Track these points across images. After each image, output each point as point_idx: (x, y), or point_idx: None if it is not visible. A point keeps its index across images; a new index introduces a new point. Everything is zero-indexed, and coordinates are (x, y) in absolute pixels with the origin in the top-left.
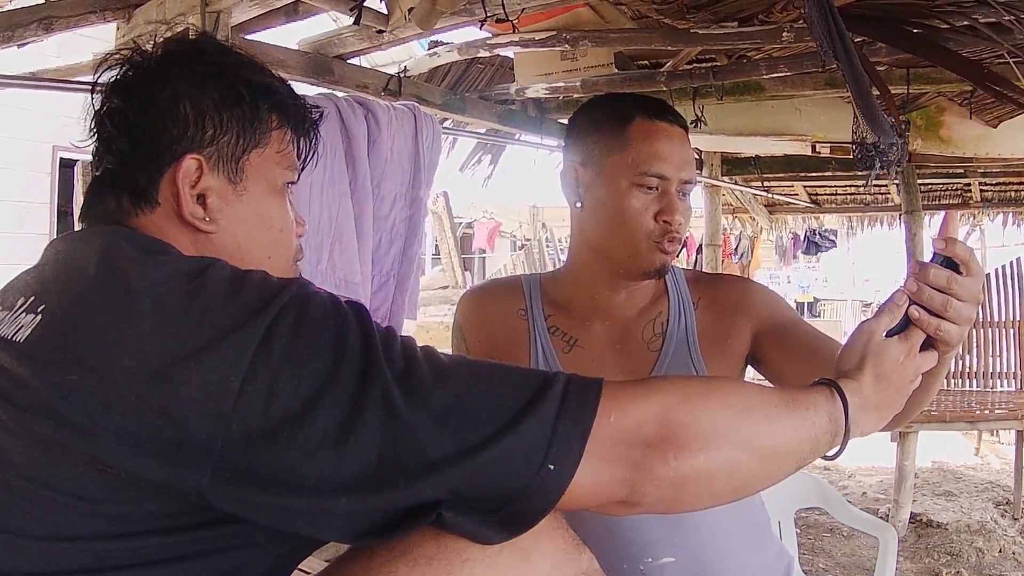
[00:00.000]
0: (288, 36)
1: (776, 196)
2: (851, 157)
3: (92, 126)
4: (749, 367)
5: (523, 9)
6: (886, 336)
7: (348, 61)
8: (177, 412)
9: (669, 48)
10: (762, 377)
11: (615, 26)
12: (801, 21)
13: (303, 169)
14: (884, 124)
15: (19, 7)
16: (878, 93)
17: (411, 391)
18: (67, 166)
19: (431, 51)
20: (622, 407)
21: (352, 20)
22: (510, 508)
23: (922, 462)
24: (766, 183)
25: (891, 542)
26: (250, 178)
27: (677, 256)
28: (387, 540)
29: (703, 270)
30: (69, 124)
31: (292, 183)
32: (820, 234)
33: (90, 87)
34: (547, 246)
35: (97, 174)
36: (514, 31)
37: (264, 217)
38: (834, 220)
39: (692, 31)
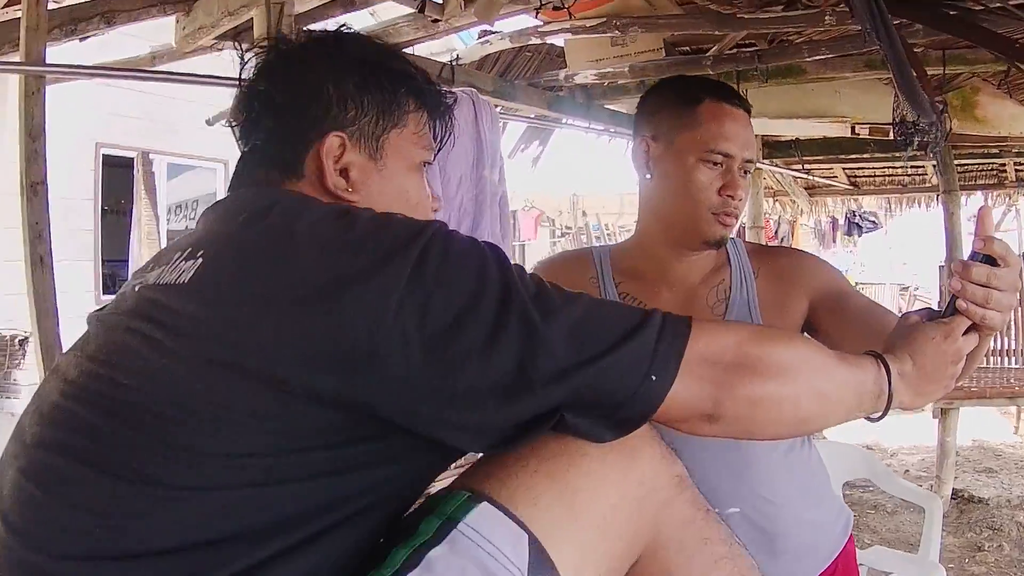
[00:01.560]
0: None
1: (816, 179)
2: (890, 138)
3: (239, 107)
4: (806, 334)
5: None
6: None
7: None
8: (345, 327)
9: (716, 33)
10: None
11: (663, 12)
12: (842, 5)
13: (439, 150)
14: (924, 102)
15: (80, 1)
16: (916, 74)
17: (544, 310)
18: (109, 164)
19: (483, 39)
20: (707, 336)
21: (416, 9)
22: (620, 411)
23: (962, 440)
24: (806, 166)
25: (936, 512)
26: (389, 155)
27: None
28: (519, 447)
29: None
30: (112, 121)
31: (428, 163)
32: (861, 216)
33: (236, 81)
34: (595, 233)
35: (246, 150)
36: (570, 18)
37: (401, 191)
38: (872, 203)
39: (738, 16)
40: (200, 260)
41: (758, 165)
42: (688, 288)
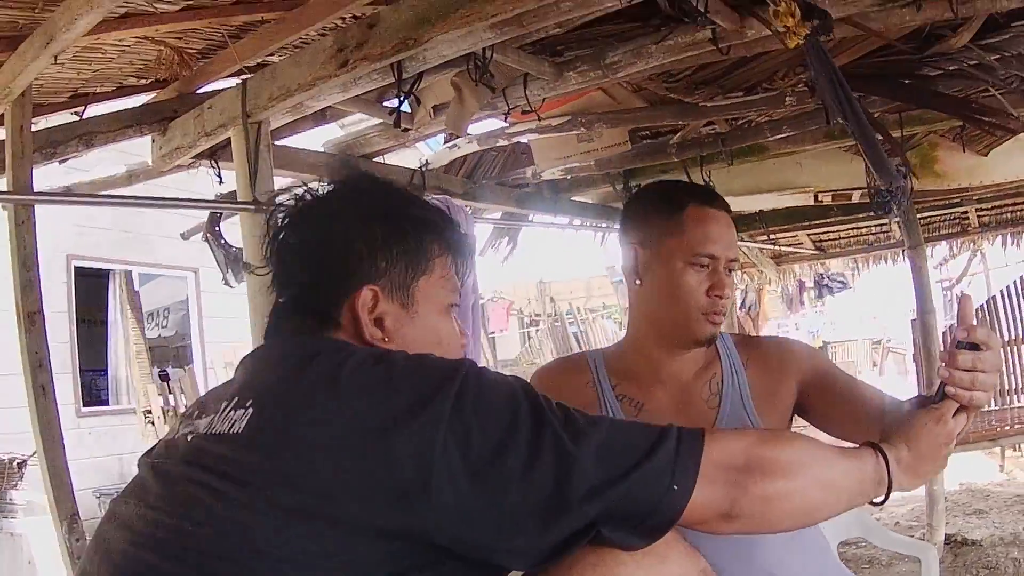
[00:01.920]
0: (312, 138)
1: (782, 248)
2: (853, 203)
3: (269, 256)
4: (796, 416)
5: (543, 99)
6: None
7: (374, 160)
8: (398, 465)
9: (680, 123)
10: (807, 425)
11: (627, 106)
12: (801, 85)
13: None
14: (892, 169)
15: (59, 124)
16: (882, 140)
17: (574, 434)
18: (81, 275)
19: (451, 144)
20: (720, 444)
21: (391, 123)
22: (649, 520)
23: (950, 485)
24: (771, 236)
25: (932, 561)
26: (420, 302)
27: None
28: (558, 560)
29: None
30: (82, 233)
31: (455, 304)
32: (829, 278)
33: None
34: (568, 320)
35: (281, 300)
36: (538, 119)
37: (434, 334)
38: (839, 264)
39: (701, 105)
40: (251, 410)
41: None
42: (682, 385)
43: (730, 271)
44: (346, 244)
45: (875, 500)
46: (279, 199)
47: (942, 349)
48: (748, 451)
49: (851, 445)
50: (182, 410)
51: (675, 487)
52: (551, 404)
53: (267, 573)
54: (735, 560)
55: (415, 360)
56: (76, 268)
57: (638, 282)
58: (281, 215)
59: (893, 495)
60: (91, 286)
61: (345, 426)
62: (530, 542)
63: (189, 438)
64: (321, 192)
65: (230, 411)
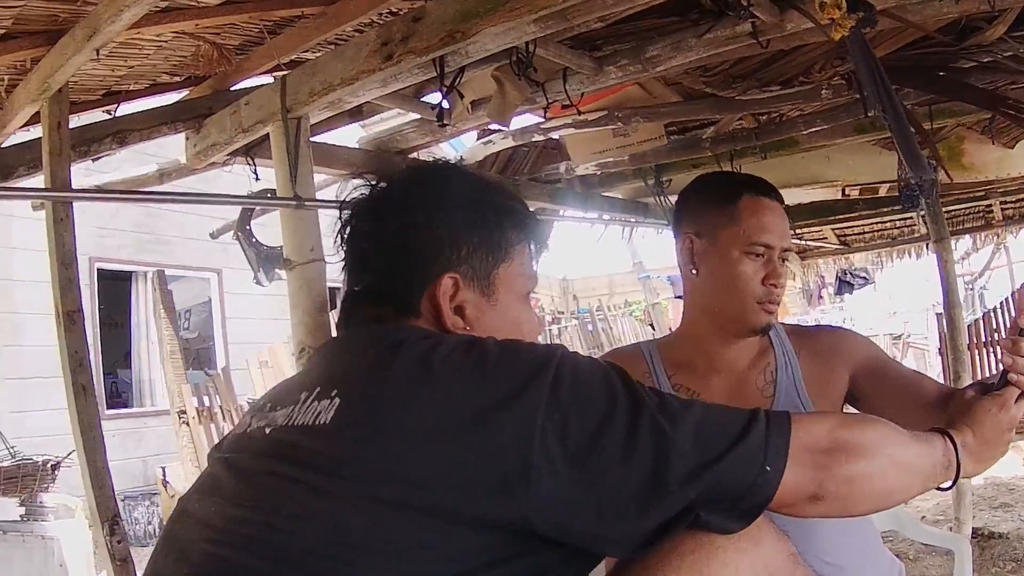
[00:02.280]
0: (339, 136)
1: (807, 242)
2: (880, 197)
3: (342, 244)
4: (847, 405)
5: (583, 94)
6: (987, 394)
7: (408, 157)
8: (497, 453)
9: (715, 117)
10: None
11: (662, 100)
12: (837, 78)
13: None
14: (924, 162)
15: (93, 122)
16: (917, 135)
17: (670, 418)
18: (103, 277)
19: (485, 139)
20: (805, 427)
21: (409, 118)
22: (743, 502)
23: (975, 480)
24: (797, 230)
25: (965, 553)
26: (500, 290)
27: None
28: (657, 545)
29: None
30: (104, 235)
31: (532, 292)
32: (851, 273)
33: (337, 208)
34: (597, 317)
35: (356, 288)
36: (578, 113)
37: (514, 322)
38: (861, 258)
39: (737, 99)
40: (337, 400)
41: None
42: (737, 374)
43: (784, 260)
44: (427, 232)
45: (943, 485)
46: (351, 187)
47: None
48: (832, 433)
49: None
50: (216, 412)
51: (767, 469)
52: (645, 388)
53: (363, 567)
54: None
55: (508, 346)
56: (99, 270)
57: (694, 272)
58: (354, 203)
59: None
60: (113, 288)
61: (441, 414)
62: (630, 527)
63: (267, 431)
64: (398, 180)
65: (312, 402)
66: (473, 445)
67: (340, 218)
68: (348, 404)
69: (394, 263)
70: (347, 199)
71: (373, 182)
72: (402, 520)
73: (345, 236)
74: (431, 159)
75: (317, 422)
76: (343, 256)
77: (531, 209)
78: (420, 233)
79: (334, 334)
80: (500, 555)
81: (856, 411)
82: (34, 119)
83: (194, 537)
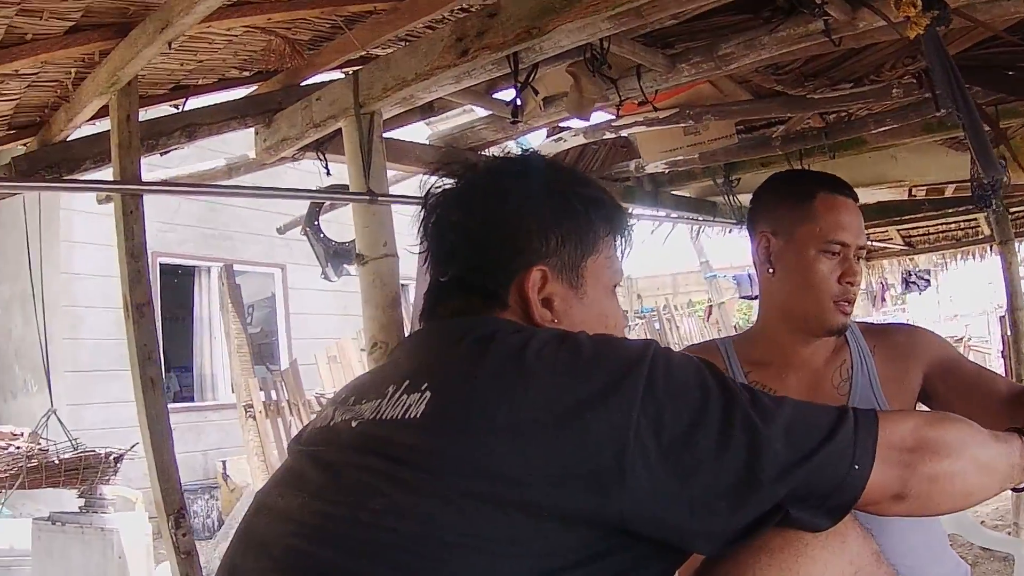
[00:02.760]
0: (414, 132)
1: (873, 243)
2: (946, 197)
3: (428, 235)
4: (920, 404)
5: (656, 91)
6: None
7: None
8: (591, 448)
9: (786, 116)
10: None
11: (733, 98)
12: (908, 77)
13: None
14: (996, 162)
15: (162, 115)
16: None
17: (763, 414)
18: (166, 273)
19: (556, 136)
20: (891, 425)
21: (510, 115)
22: (831, 500)
23: None
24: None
25: None
26: (588, 282)
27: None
28: (746, 543)
29: None
30: (167, 230)
31: (618, 284)
32: (915, 275)
33: (415, 203)
34: (664, 313)
35: (442, 280)
36: (653, 109)
37: (601, 315)
38: (924, 259)
39: (809, 97)
40: (428, 394)
41: None
42: (813, 372)
43: (859, 259)
44: (516, 223)
45: (1020, 486)
46: (433, 177)
47: None
48: (917, 432)
49: None
50: (283, 406)
51: (856, 467)
52: (736, 384)
53: (454, 563)
54: None
55: (602, 341)
56: (161, 265)
57: (771, 271)
58: (440, 193)
59: None
60: (175, 283)
61: (535, 409)
62: (721, 524)
63: (353, 424)
64: (485, 170)
65: (401, 395)
66: (567, 440)
67: (424, 208)
68: (439, 398)
69: (482, 254)
70: (429, 190)
71: (459, 172)
72: (495, 516)
73: (430, 227)
74: (510, 152)
75: (407, 416)
76: (426, 247)
77: (618, 201)
78: (509, 224)
79: (409, 329)
80: (592, 551)
81: (928, 409)
82: (101, 112)
83: (277, 532)
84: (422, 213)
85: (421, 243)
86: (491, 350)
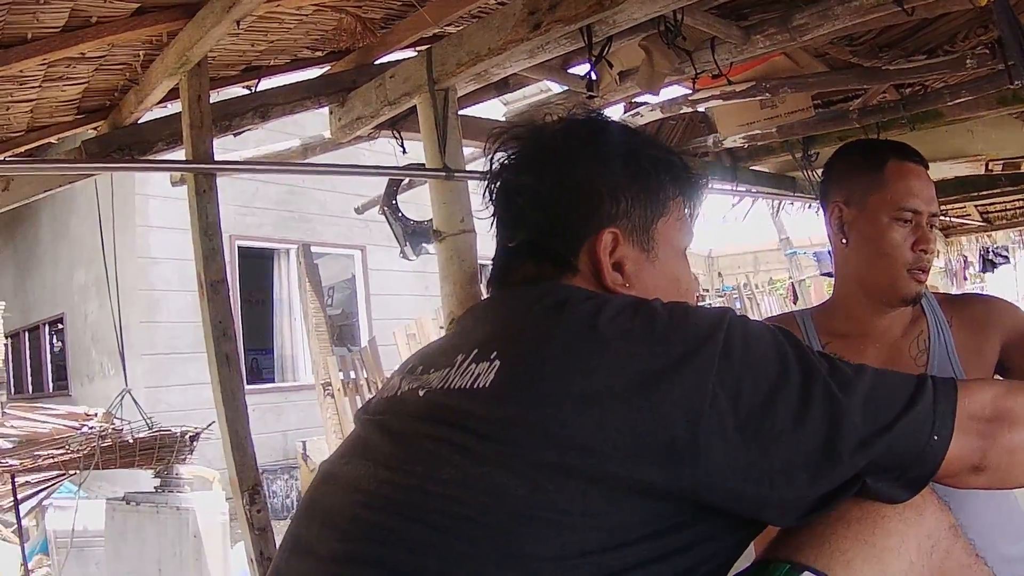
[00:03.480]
0: (489, 110)
1: (951, 219)
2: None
3: (495, 199)
4: (997, 375)
5: (732, 63)
6: None
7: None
8: (666, 418)
9: (862, 88)
10: None
11: (809, 71)
12: (981, 48)
13: None
14: None
15: (235, 96)
16: None
17: (842, 384)
18: (244, 255)
19: (633, 111)
20: (970, 395)
21: (584, 89)
22: (911, 471)
23: None
24: (942, 207)
25: None
26: (659, 245)
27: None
28: (823, 513)
29: None
30: (245, 213)
31: (688, 247)
32: (994, 251)
33: (487, 171)
34: (745, 291)
35: (511, 245)
36: (728, 83)
37: (673, 279)
38: (1003, 236)
39: (883, 68)
40: (497, 362)
41: None
42: (891, 342)
43: (932, 226)
44: (587, 185)
45: None
46: (499, 142)
47: None
48: (996, 402)
49: None
50: (362, 384)
51: (935, 437)
52: (815, 353)
53: (524, 534)
54: None
55: (678, 309)
56: (239, 248)
57: (844, 241)
58: (507, 157)
59: None
60: (254, 266)
61: (608, 378)
62: (800, 494)
63: (421, 393)
64: (552, 133)
65: (470, 364)
66: (642, 409)
67: (489, 173)
68: (510, 367)
69: (553, 219)
70: (495, 154)
71: (524, 136)
72: (567, 487)
73: (496, 191)
74: (576, 114)
75: (476, 385)
76: (494, 212)
77: (688, 162)
78: (579, 187)
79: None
80: (667, 523)
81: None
82: (171, 95)
83: (343, 502)
84: (488, 177)
85: (486, 207)
86: (563, 318)
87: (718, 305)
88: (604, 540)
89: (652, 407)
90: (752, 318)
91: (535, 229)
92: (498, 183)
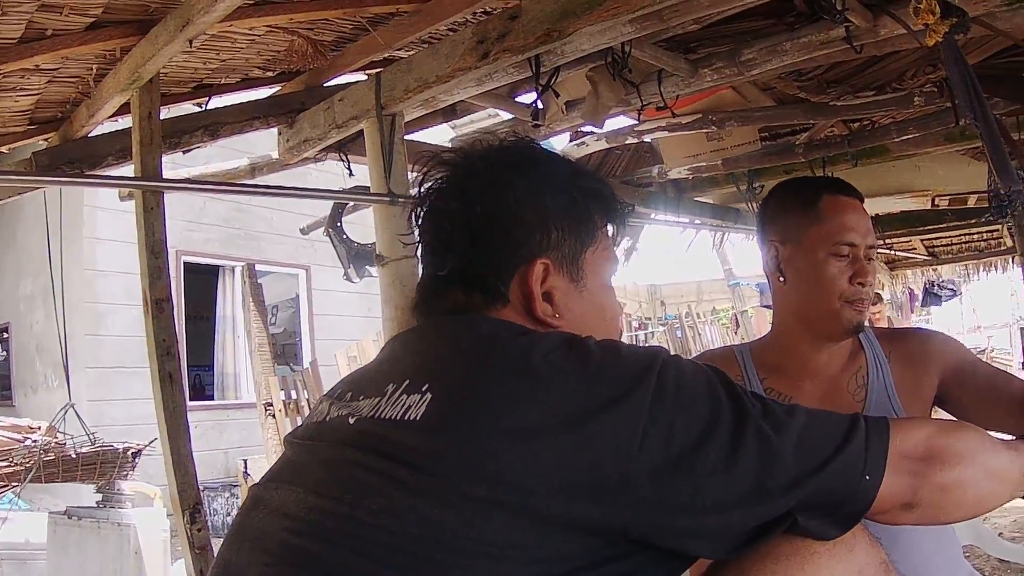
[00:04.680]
0: (437, 136)
1: (896, 252)
2: (969, 208)
3: (423, 224)
4: (937, 408)
5: (677, 96)
6: None
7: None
8: (596, 458)
9: (809, 123)
10: (947, 416)
11: (757, 104)
12: (929, 85)
13: None
14: (1014, 173)
15: (185, 114)
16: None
17: (775, 424)
18: (191, 271)
19: (579, 141)
20: (903, 433)
21: (531, 117)
22: (842, 510)
23: None
24: (887, 240)
25: None
26: (587, 275)
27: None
28: (753, 548)
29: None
30: (192, 229)
31: (613, 276)
32: (939, 285)
33: (415, 194)
34: (687, 321)
35: (441, 274)
36: (672, 115)
37: (600, 308)
38: (948, 270)
39: (831, 104)
40: (429, 395)
41: None
42: (829, 378)
43: (870, 259)
44: (518, 214)
45: None
46: (428, 166)
47: None
48: (928, 441)
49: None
50: (303, 405)
51: (867, 476)
52: (747, 393)
53: (451, 564)
54: None
55: (611, 348)
56: (185, 264)
57: (782, 279)
58: (438, 181)
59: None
60: (200, 282)
61: (540, 415)
62: (730, 532)
63: (351, 421)
64: (484, 158)
65: (401, 395)
66: (573, 447)
67: (418, 197)
68: (441, 400)
69: (484, 248)
70: (424, 178)
71: (455, 162)
72: (494, 520)
73: (424, 217)
74: (514, 137)
75: (407, 417)
76: (421, 236)
77: (614, 191)
78: (511, 216)
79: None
80: (597, 557)
81: (946, 413)
82: (122, 110)
83: (272, 527)
84: (416, 201)
85: (412, 232)
86: (495, 353)
87: (661, 333)
88: (533, 573)
89: (583, 446)
90: (687, 356)
91: (466, 258)
92: (427, 208)
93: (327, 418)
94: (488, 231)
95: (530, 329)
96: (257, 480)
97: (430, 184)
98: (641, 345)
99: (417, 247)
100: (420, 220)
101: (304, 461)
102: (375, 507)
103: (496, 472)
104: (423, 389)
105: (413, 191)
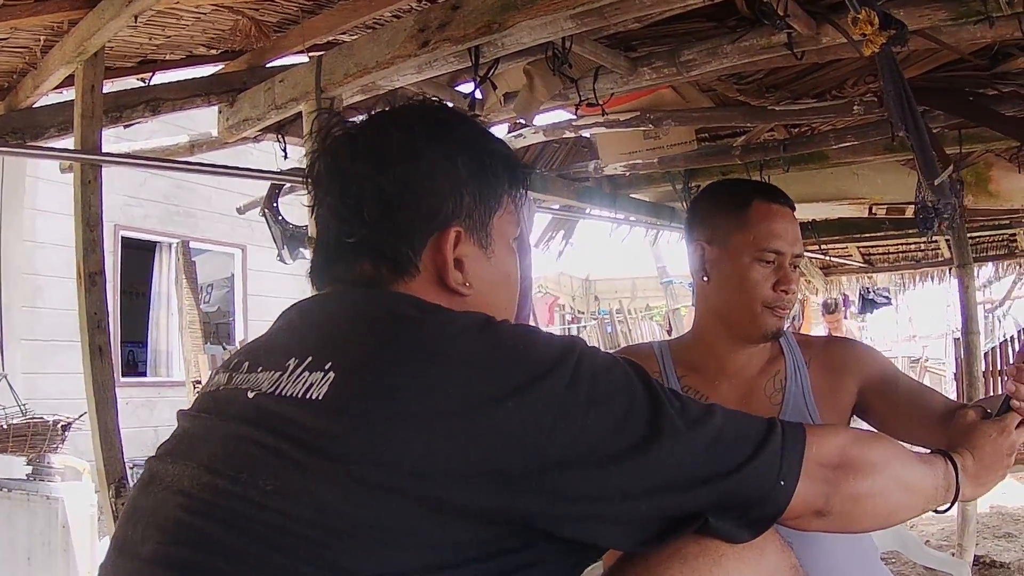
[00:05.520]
0: None
1: (832, 259)
2: (906, 217)
3: (329, 184)
4: (856, 417)
5: (612, 94)
6: (989, 419)
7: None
8: (501, 446)
9: (746, 126)
10: (866, 426)
11: (696, 105)
12: (869, 95)
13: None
14: (944, 186)
15: (128, 88)
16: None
17: (690, 422)
18: (129, 246)
19: (516, 132)
20: (819, 441)
21: (467, 107)
22: (753, 513)
23: (981, 507)
24: (823, 246)
25: None
26: (495, 241)
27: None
28: (662, 545)
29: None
30: (130, 203)
31: (515, 240)
32: (874, 292)
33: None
34: (618, 319)
35: (349, 240)
36: (603, 114)
37: (506, 275)
38: (885, 279)
39: (770, 108)
40: (332, 374)
41: None
42: (746, 379)
43: (795, 267)
44: (428, 178)
45: (941, 508)
46: (332, 120)
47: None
48: (844, 450)
49: (919, 449)
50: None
51: (781, 482)
52: (665, 390)
53: (342, 549)
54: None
55: (524, 334)
56: (123, 239)
57: (705, 279)
58: (340, 134)
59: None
60: (137, 258)
61: (446, 399)
62: (637, 527)
63: (250, 395)
64: (394, 121)
65: (303, 372)
66: (478, 434)
67: (320, 151)
68: (344, 380)
69: (392, 215)
70: (327, 130)
71: (367, 118)
72: (391, 506)
73: (324, 174)
74: (424, 99)
75: (308, 396)
76: (320, 195)
77: (515, 152)
78: (426, 182)
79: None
80: (495, 548)
81: (864, 423)
82: (67, 82)
83: (166, 504)
84: (316, 155)
85: (310, 193)
86: (404, 333)
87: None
88: (428, 560)
89: (489, 432)
90: (606, 350)
91: (372, 226)
92: (330, 165)
93: (222, 388)
94: (402, 199)
95: (441, 306)
96: (154, 453)
97: (334, 136)
98: (560, 335)
99: (314, 207)
100: (319, 175)
101: (200, 434)
102: (269, 488)
103: (395, 457)
104: (326, 367)
105: (312, 143)
